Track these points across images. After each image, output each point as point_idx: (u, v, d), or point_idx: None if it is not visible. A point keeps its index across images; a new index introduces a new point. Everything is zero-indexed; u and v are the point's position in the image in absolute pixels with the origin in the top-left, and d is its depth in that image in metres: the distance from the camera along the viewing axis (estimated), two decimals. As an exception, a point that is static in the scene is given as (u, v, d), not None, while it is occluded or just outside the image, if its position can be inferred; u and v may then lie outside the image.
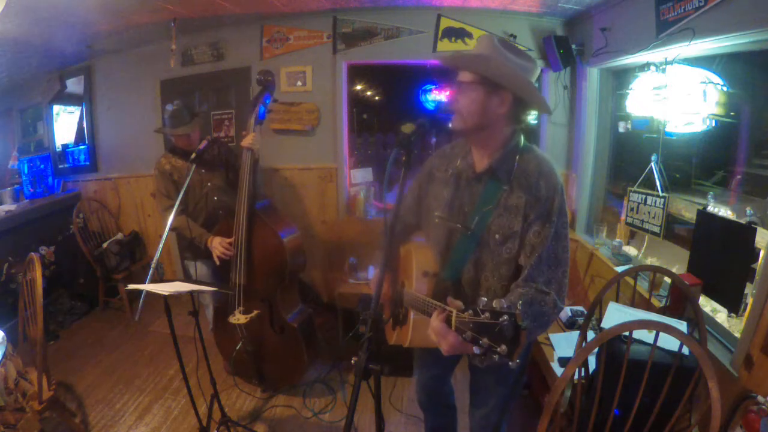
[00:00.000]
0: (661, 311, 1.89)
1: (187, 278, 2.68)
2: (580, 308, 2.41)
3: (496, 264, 1.29)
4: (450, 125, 1.27)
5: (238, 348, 2.41)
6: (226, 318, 2.32)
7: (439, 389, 1.76)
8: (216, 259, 2.36)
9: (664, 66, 2.14)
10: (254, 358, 2.50)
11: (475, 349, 0.88)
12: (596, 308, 1.87)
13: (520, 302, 1.13)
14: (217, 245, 2.35)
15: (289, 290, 2.54)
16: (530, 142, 1.34)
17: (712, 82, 2.03)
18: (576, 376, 1.48)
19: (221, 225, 2.43)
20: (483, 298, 0.90)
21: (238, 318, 2.28)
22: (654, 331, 1.27)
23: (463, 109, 1.22)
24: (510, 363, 0.85)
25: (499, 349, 0.84)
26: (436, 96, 4.48)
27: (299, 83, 3.30)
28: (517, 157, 1.26)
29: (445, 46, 3.10)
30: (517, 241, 1.24)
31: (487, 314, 0.87)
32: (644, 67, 2.27)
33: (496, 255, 1.27)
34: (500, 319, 0.84)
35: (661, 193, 2.23)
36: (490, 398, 1.53)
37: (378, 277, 1.18)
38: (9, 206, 3.38)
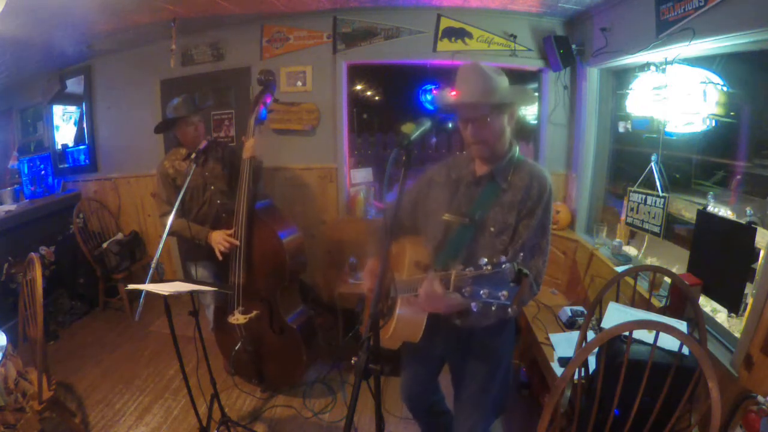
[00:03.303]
0: (661, 311, 1.89)
1: (188, 279, 2.67)
2: (580, 308, 2.40)
3: (490, 256, 1.32)
4: (477, 154, 1.40)
5: (237, 348, 2.41)
6: (227, 318, 2.32)
7: (426, 395, 1.75)
8: (219, 254, 2.32)
9: (664, 66, 2.14)
10: (254, 358, 2.51)
11: (473, 306, 0.96)
12: (596, 308, 1.87)
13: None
14: (219, 239, 2.33)
15: (289, 291, 2.54)
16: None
17: (712, 82, 2.03)
18: (576, 376, 1.48)
19: (224, 227, 2.41)
20: (483, 258, 0.97)
21: (238, 318, 2.28)
22: (654, 331, 1.27)
23: (491, 139, 1.34)
24: (509, 310, 0.94)
25: (500, 294, 0.92)
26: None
27: (299, 83, 3.30)
28: (513, 165, 1.40)
29: (445, 46, 3.10)
30: (510, 234, 1.35)
31: (489, 266, 0.95)
32: (644, 67, 2.27)
33: (491, 247, 1.35)
34: (502, 267, 0.92)
35: (661, 193, 2.23)
36: (477, 405, 1.53)
37: (379, 273, 1.18)
38: (9, 206, 3.38)
